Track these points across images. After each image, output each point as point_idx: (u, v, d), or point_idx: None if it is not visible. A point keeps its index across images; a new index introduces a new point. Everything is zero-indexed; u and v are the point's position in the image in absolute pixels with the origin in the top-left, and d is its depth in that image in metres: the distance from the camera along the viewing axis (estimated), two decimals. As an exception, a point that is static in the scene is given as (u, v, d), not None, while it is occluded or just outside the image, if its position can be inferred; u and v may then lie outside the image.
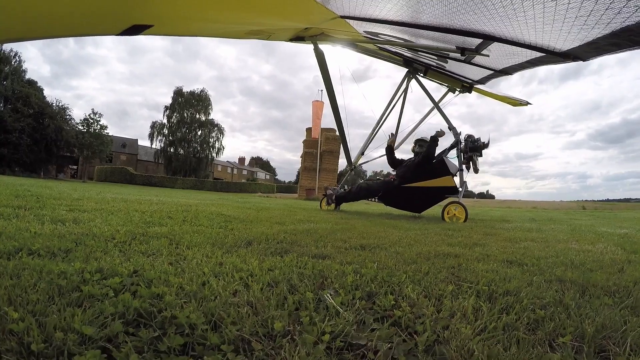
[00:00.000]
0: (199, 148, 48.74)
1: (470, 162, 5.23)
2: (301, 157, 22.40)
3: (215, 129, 49.81)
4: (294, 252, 1.61)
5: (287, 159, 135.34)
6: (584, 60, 2.74)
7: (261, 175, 75.10)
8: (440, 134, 5.27)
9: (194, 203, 4.89)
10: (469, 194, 51.05)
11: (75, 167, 44.48)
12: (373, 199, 5.73)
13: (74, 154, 34.45)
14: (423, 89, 5.85)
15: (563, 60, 2.89)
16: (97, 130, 33.25)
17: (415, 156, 5.49)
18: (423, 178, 5.11)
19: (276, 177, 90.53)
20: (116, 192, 7.06)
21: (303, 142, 22.58)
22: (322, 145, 20.99)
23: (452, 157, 5.35)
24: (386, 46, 5.03)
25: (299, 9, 2.36)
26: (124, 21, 1.44)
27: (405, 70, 5.99)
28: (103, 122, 33.89)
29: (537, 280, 1.34)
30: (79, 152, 33.44)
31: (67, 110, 32.41)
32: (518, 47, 3.00)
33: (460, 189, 4.95)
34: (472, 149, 5.11)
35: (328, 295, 1.01)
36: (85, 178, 36.90)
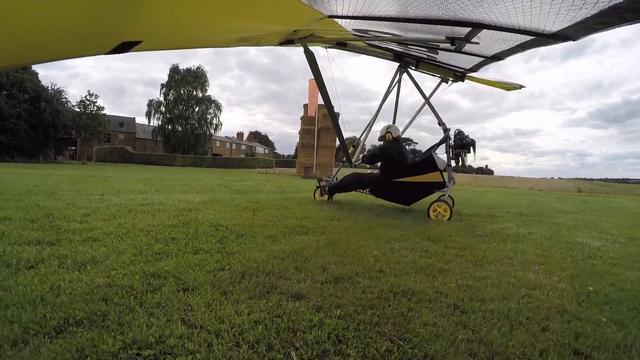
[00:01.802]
0: (196, 125, 48.46)
1: (459, 158, 5.45)
2: (299, 133, 22.41)
3: (213, 105, 49.24)
4: (278, 291, 1.87)
5: (285, 132, 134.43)
6: (574, 40, 2.74)
7: (260, 149, 74.88)
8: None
9: (195, 203, 5.16)
10: (468, 170, 51.20)
11: (74, 148, 44.43)
12: (364, 191, 6.01)
13: (72, 136, 34.39)
14: (414, 84, 5.91)
15: (553, 42, 2.90)
16: (93, 112, 32.97)
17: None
18: (411, 174, 5.35)
19: (275, 150, 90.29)
20: (117, 185, 7.26)
21: (301, 118, 22.49)
22: (320, 122, 20.94)
23: (442, 153, 5.55)
24: (376, 42, 5.04)
25: (287, 12, 2.39)
26: (114, 39, 1.45)
27: (397, 64, 6.02)
28: (99, 103, 33.51)
29: (461, 340, 1.44)
30: (76, 134, 33.38)
31: (63, 93, 31.99)
32: (508, 32, 3.01)
33: (448, 184, 5.20)
34: (459, 146, 5.31)
35: (293, 354, 1.30)
36: (84, 159, 37.01)
